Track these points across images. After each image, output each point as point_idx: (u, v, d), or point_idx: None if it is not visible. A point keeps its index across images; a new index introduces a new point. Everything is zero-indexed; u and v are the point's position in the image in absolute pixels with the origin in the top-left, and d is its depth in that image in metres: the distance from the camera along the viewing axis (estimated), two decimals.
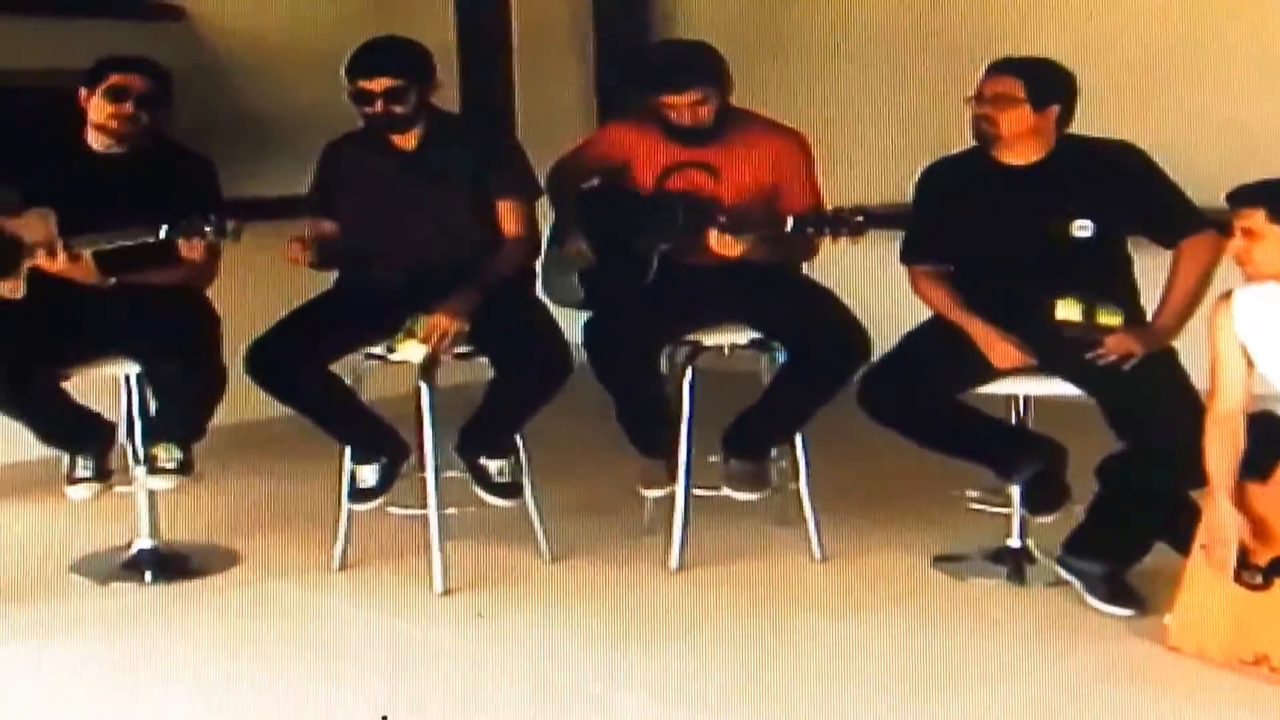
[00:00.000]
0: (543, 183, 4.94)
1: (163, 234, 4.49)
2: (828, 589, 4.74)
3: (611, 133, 5.05)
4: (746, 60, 4.85)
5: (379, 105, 4.66)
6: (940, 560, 4.84)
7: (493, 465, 4.80)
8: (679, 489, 4.82)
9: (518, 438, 4.83)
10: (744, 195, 4.77)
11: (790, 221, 4.53)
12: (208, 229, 4.50)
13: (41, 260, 4.51)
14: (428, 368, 4.65)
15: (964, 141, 4.64)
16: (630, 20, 7.64)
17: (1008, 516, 4.76)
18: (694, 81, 4.69)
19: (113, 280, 4.60)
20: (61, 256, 4.50)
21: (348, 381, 4.78)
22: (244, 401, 4.90)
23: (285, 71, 6.78)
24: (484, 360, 4.73)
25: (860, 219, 4.41)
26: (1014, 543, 4.77)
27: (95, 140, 4.77)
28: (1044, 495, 4.62)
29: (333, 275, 4.93)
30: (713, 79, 4.72)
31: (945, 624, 4.41)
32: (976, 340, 4.50)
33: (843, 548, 4.94)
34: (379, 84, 4.64)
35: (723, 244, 4.57)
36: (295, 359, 4.69)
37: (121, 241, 4.53)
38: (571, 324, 4.89)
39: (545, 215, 4.97)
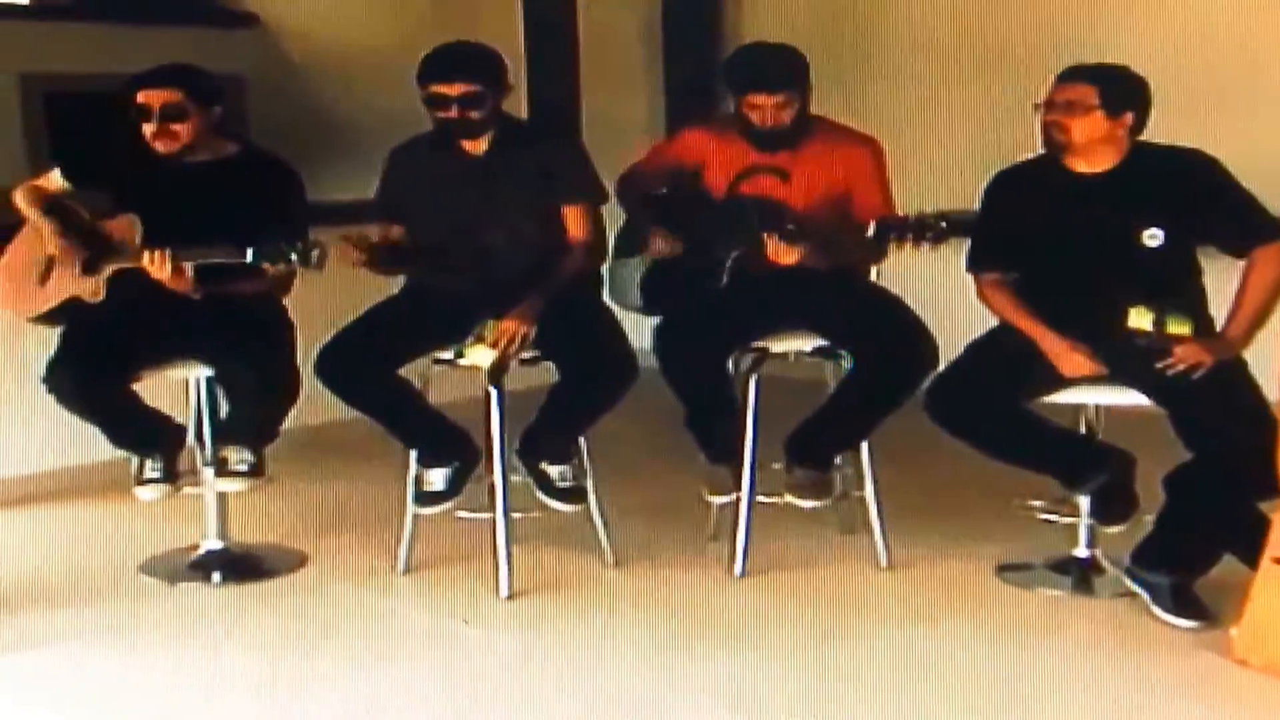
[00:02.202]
0: (613, 187, 4.95)
1: (249, 258, 4.50)
2: (892, 597, 4.73)
3: (688, 137, 5.04)
4: (814, 69, 4.80)
5: (454, 110, 4.66)
6: (1006, 570, 4.82)
7: (555, 470, 4.80)
8: (743, 495, 4.81)
9: (581, 442, 4.83)
10: (814, 201, 4.76)
11: (873, 227, 4.48)
12: (294, 256, 4.49)
13: (150, 266, 4.54)
14: (496, 372, 4.65)
15: (1029, 149, 4.62)
16: (699, 29, 7.64)
17: (1074, 526, 4.73)
18: (782, 84, 4.69)
19: (199, 295, 4.64)
20: (167, 267, 4.52)
21: (416, 386, 4.79)
22: (314, 405, 4.93)
23: (357, 77, 6.84)
24: (549, 365, 4.73)
25: (944, 225, 4.37)
26: (1081, 553, 4.75)
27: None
28: (1112, 506, 4.57)
29: (401, 280, 4.94)
30: (798, 83, 4.72)
31: (1010, 634, 4.38)
32: (1046, 349, 4.47)
33: (908, 556, 4.92)
34: (456, 89, 4.64)
35: (780, 251, 4.56)
36: (365, 363, 4.71)
37: (211, 259, 4.56)
38: (639, 329, 4.90)
39: (612, 220, 4.97)
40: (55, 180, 4.89)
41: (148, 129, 4.69)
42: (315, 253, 4.49)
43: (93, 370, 4.66)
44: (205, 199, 4.68)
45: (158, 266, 4.53)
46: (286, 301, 4.95)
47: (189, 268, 4.56)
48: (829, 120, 4.88)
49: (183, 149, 4.72)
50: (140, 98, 4.69)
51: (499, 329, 4.61)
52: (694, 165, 4.90)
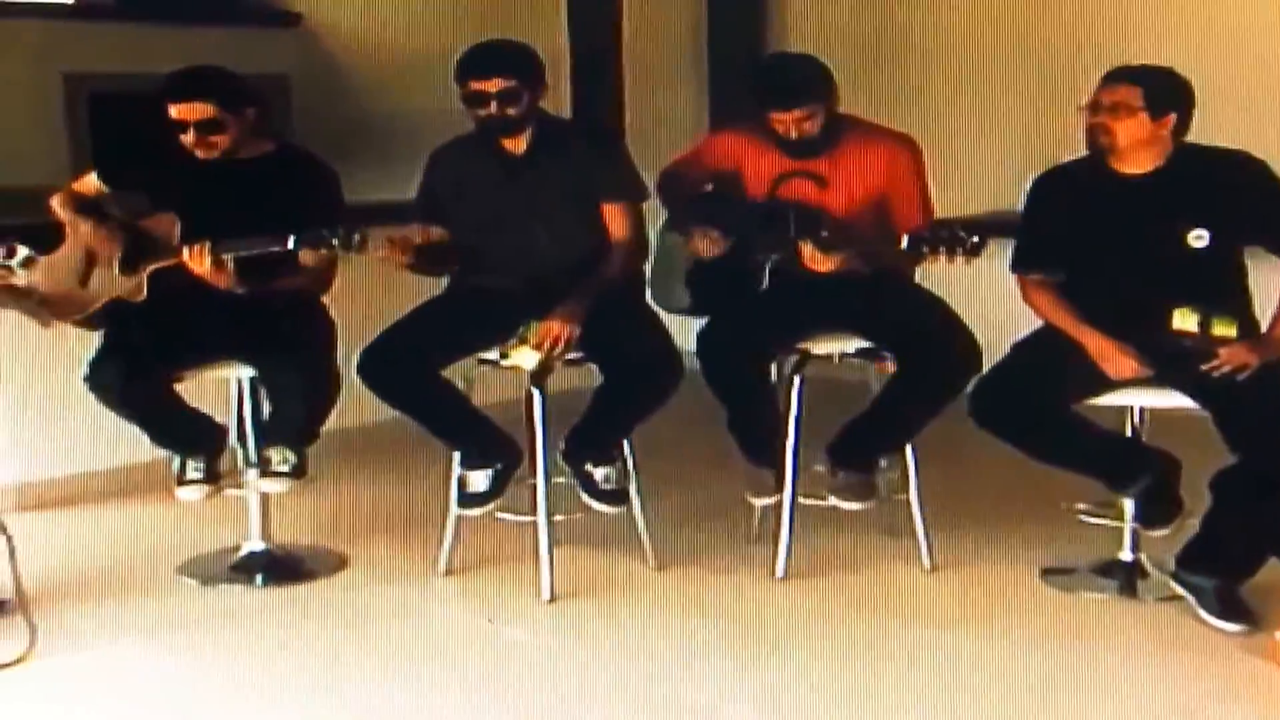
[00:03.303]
0: (654, 184, 4.97)
1: (291, 244, 4.54)
2: (936, 600, 4.75)
3: (723, 141, 5.05)
4: (856, 69, 4.87)
5: (493, 107, 4.68)
6: (1050, 573, 4.82)
7: (599, 472, 4.81)
8: (785, 498, 4.82)
9: (625, 444, 4.85)
10: (852, 206, 4.76)
11: (905, 240, 4.49)
12: (335, 241, 4.53)
13: (191, 262, 4.58)
14: (540, 374, 4.68)
15: (1072, 150, 4.61)
16: (743, 30, 7.63)
17: (1119, 529, 4.74)
18: (800, 101, 4.68)
19: (241, 290, 4.67)
20: (207, 261, 4.57)
21: (459, 386, 4.81)
22: (355, 405, 4.96)
23: (400, 76, 6.86)
24: (593, 366, 4.75)
25: (976, 240, 4.36)
26: (1125, 556, 4.75)
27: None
28: (1157, 509, 4.58)
29: (444, 280, 4.97)
30: (818, 95, 4.71)
31: (1054, 637, 4.39)
32: (1091, 351, 4.47)
33: (952, 559, 4.94)
34: (494, 84, 4.66)
35: (815, 259, 4.58)
36: (408, 364, 4.72)
37: (252, 250, 4.59)
38: (683, 331, 4.91)
39: (653, 218, 4.99)
40: (91, 183, 4.94)
41: (185, 139, 4.73)
42: (356, 236, 4.52)
43: (135, 368, 4.70)
44: (243, 196, 4.72)
45: (197, 260, 4.56)
46: (328, 301, 4.98)
47: (230, 260, 4.59)
48: (863, 120, 4.88)
49: (210, 161, 4.76)
50: (174, 113, 4.71)
51: (542, 330, 4.63)
52: (730, 169, 4.91)
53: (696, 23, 7.80)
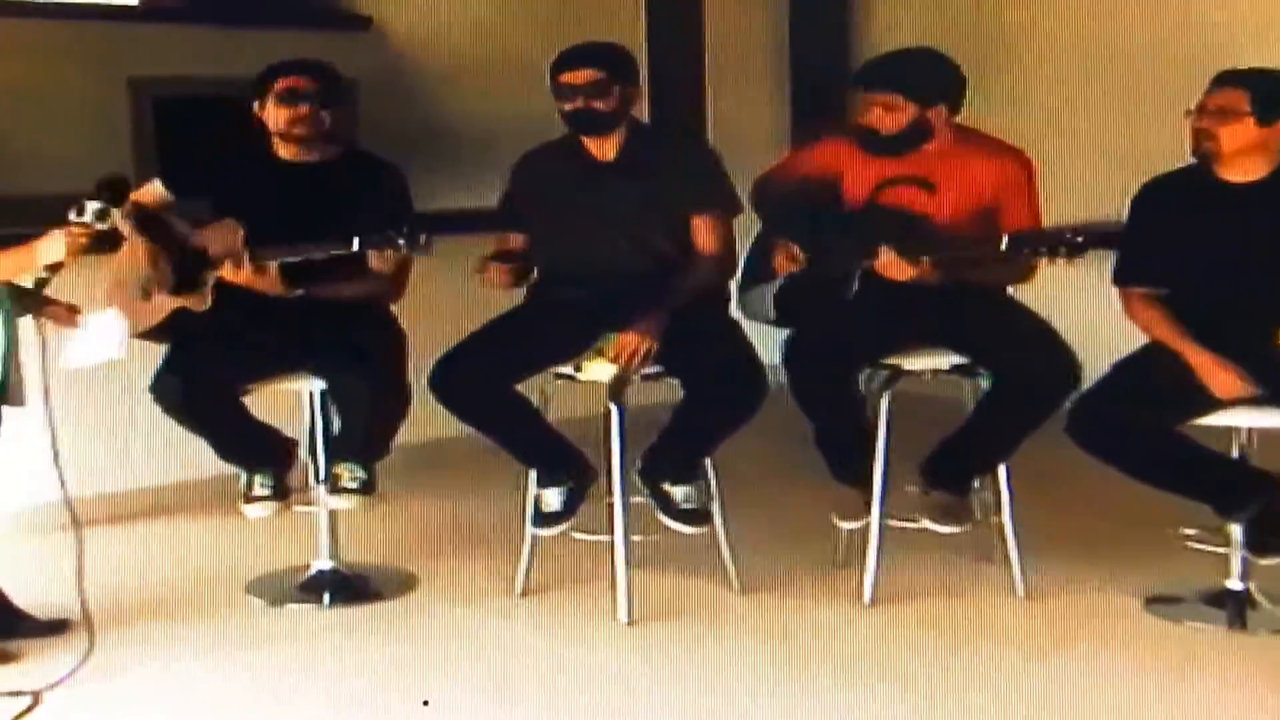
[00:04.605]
0: (748, 193, 4.94)
1: (355, 246, 4.53)
2: (1031, 629, 4.67)
3: (827, 146, 4.99)
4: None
5: (580, 100, 4.68)
6: (1154, 602, 4.73)
7: (679, 491, 4.77)
8: (874, 519, 4.77)
9: (706, 463, 4.80)
10: (957, 214, 4.70)
11: (1006, 240, 4.43)
12: (401, 241, 4.51)
13: (227, 271, 4.58)
14: (617, 388, 4.64)
15: (1179, 158, 4.56)
16: (827, 33, 7.60)
17: (1228, 557, 4.64)
18: (886, 86, 4.67)
19: (299, 291, 4.66)
20: (247, 268, 4.56)
21: (535, 401, 4.78)
22: (427, 420, 4.94)
23: (474, 81, 6.84)
24: (673, 381, 4.71)
25: (1080, 239, 4.29)
26: (1234, 585, 4.65)
27: (284, 150, 4.86)
28: (1268, 536, 4.51)
29: (520, 291, 4.94)
30: (910, 90, 4.66)
31: (1159, 670, 4.29)
32: (1196, 369, 4.40)
33: (1048, 586, 4.85)
34: (581, 76, 4.67)
35: (892, 266, 4.53)
36: (482, 378, 4.70)
37: (313, 254, 4.59)
38: (768, 345, 4.87)
39: (743, 235, 4.95)
40: (155, 191, 4.95)
41: (283, 115, 4.77)
42: (423, 237, 4.51)
43: (201, 379, 4.71)
44: (312, 200, 4.74)
45: (236, 268, 4.57)
46: (399, 312, 4.98)
47: (273, 267, 4.59)
48: (978, 131, 4.83)
49: (299, 146, 4.80)
50: (283, 84, 4.78)
51: (619, 342, 4.59)
52: (831, 175, 4.86)
53: (780, 27, 7.76)
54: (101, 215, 4.04)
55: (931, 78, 4.72)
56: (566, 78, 4.69)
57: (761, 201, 4.99)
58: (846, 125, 4.85)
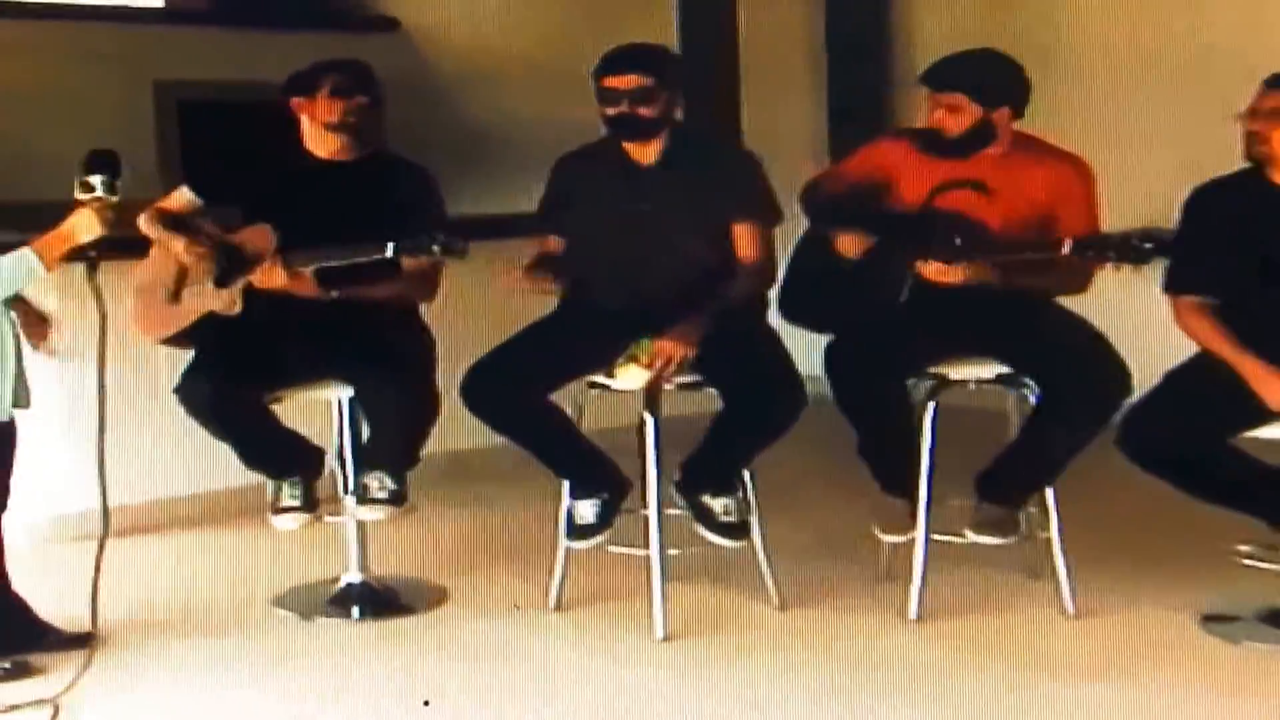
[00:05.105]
0: (798, 196, 4.91)
1: (389, 252, 4.50)
2: (1080, 648, 4.60)
3: (884, 147, 4.96)
4: None
5: (625, 105, 4.66)
6: (1209, 620, 4.66)
7: (717, 504, 4.73)
8: (919, 532, 4.71)
9: (745, 474, 4.76)
10: (1014, 220, 4.66)
11: (1069, 245, 4.38)
12: (435, 247, 4.49)
13: (261, 276, 4.57)
14: (654, 398, 4.61)
15: (1231, 162, 4.53)
16: (865, 36, 7.57)
17: None
18: (946, 85, 4.65)
19: (335, 293, 4.64)
20: (282, 275, 4.55)
21: (568, 411, 4.75)
22: (456, 429, 4.91)
23: (502, 85, 6.85)
24: (711, 391, 4.67)
25: (1148, 245, 4.24)
26: None
27: (324, 145, 4.85)
28: None
29: (554, 298, 4.91)
30: (975, 91, 4.64)
31: (1214, 692, 4.23)
32: (1250, 379, 4.35)
33: (1098, 603, 4.79)
34: (627, 81, 4.65)
35: (941, 270, 4.49)
36: (514, 387, 4.67)
37: (348, 259, 4.57)
38: (809, 353, 4.81)
39: (784, 240, 4.91)
40: (183, 197, 4.94)
41: (337, 106, 4.79)
42: (460, 242, 4.49)
43: (228, 381, 4.68)
44: (345, 200, 4.73)
45: (270, 277, 4.57)
46: (429, 318, 4.96)
47: (308, 271, 4.58)
48: (1037, 138, 4.80)
49: (348, 137, 4.82)
50: (337, 78, 4.81)
51: (656, 349, 4.55)
52: (886, 176, 4.82)
53: (817, 28, 7.73)
54: (110, 188, 4.08)
55: (997, 79, 4.70)
56: (612, 82, 4.67)
57: (810, 203, 4.94)
58: (886, 129, 4.79)
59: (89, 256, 4.08)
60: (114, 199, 4.07)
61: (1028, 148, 4.73)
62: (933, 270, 4.50)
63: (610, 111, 4.68)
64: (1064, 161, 4.74)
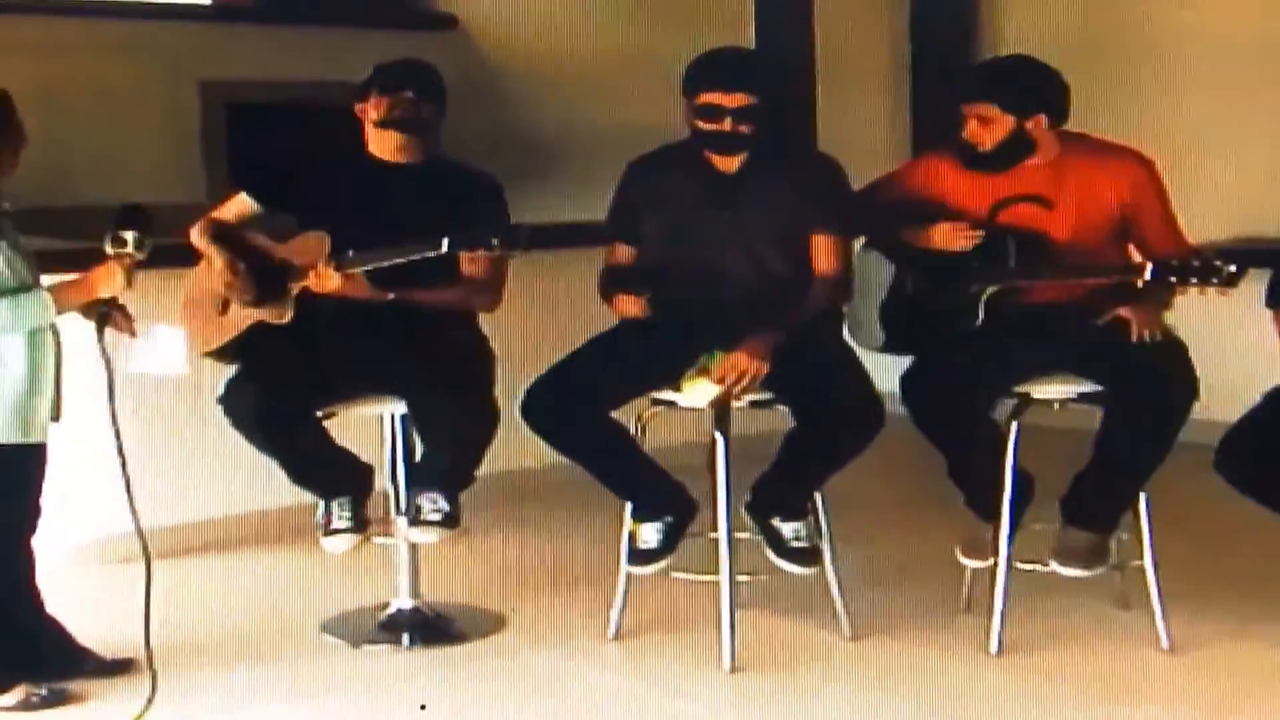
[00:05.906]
0: None
1: (444, 247, 4.45)
2: (1175, 684, 4.49)
3: (927, 164, 4.86)
4: (1080, 82, 4.66)
5: (727, 123, 4.58)
6: None
7: (788, 528, 4.66)
8: (1001, 559, 4.62)
9: (817, 497, 4.69)
10: (1081, 229, 4.57)
11: (1149, 270, 4.28)
12: (494, 240, 4.43)
13: (315, 281, 4.52)
14: (724, 415, 4.53)
15: None
16: (951, 34, 7.48)
17: None
18: (977, 95, 4.59)
19: (390, 295, 4.59)
20: (335, 278, 4.50)
21: (631, 429, 4.69)
22: (515, 447, 4.85)
23: (567, 85, 6.83)
24: (783, 409, 4.59)
25: (1234, 269, 4.14)
26: None
27: (381, 144, 4.82)
28: None
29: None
30: (1004, 99, 4.55)
31: None
32: None
33: (1194, 637, 4.68)
34: (736, 99, 4.57)
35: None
36: (576, 404, 4.61)
37: (400, 258, 4.52)
38: (882, 373, 4.73)
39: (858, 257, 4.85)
40: (240, 204, 4.90)
41: (384, 102, 4.77)
42: (523, 233, 4.47)
43: (275, 392, 4.63)
44: (403, 204, 4.69)
45: (320, 281, 4.51)
46: (487, 332, 4.91)
47: (359, 274, 4.53)
48: (1088, 136, 4.69)
49: (407, 135, 4.78)
50: (388, 78, 4.81)
51: (727, 363, 4.46)
52: (932, 194, 4.73)
53: (900, 29, 7.64)
54: (139, 244, 4.19)
55: (1028, 86, 4.61)
56: (715, 98, 4.56)
57: (860, 222, 4.86)
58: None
59: (103, 311, 4.20)
60: (141, 255, 4.18)
61: (1080, 149, 4.64)
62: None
63: (708, 127, 4.58)
64: (1122, 157, 4.65)
